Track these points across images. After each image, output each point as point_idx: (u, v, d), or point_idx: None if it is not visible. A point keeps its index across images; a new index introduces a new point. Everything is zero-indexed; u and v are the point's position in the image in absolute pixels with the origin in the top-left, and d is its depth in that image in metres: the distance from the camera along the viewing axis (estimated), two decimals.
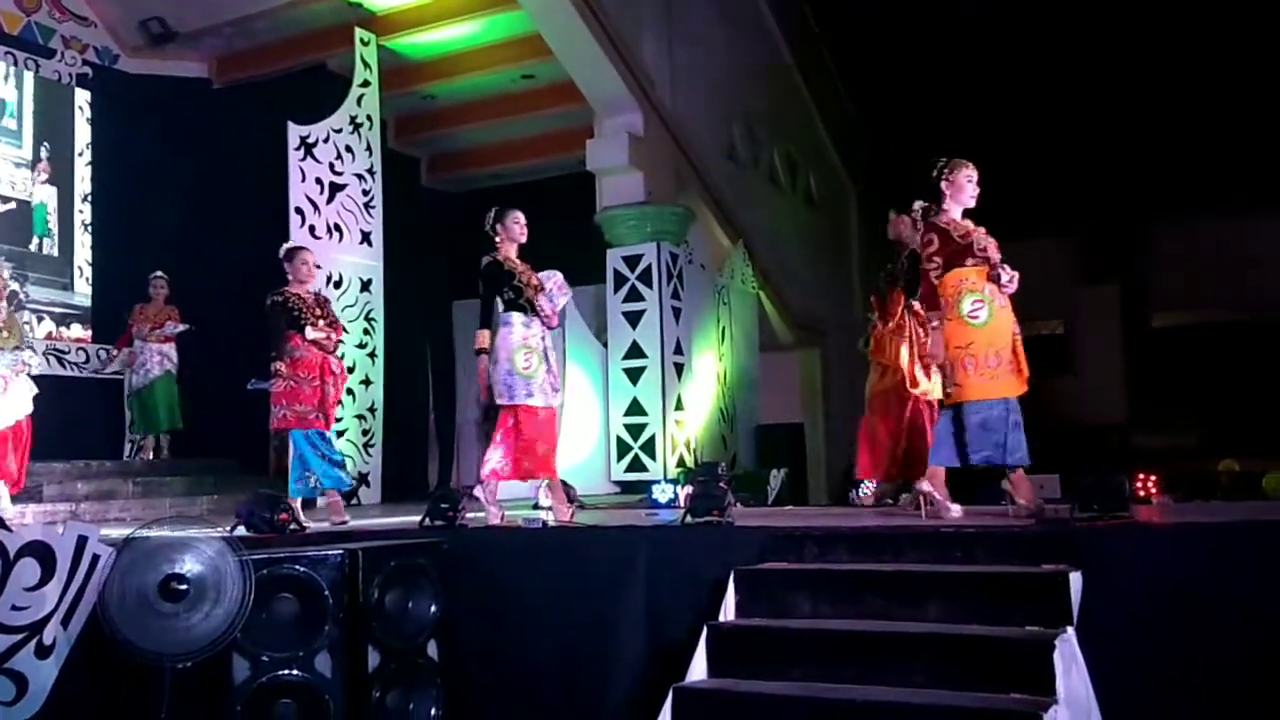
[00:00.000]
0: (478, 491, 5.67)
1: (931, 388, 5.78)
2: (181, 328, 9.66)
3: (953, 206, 5.13)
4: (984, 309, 4.90)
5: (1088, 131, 13.54)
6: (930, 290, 5.01)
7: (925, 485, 5.06)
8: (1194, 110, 13.12)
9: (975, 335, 4.90)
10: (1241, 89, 12.90)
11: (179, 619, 3.82)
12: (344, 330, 6.81)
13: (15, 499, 7.08)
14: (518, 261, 5.90)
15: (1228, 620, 3.62)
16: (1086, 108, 13.46)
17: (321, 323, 6.43)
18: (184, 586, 3.84)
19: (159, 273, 9.82)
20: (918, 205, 5.55)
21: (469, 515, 5.49)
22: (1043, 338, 16.16)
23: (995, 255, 4.98)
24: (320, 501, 7.08)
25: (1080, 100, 13.51)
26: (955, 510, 4.98)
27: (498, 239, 5.88)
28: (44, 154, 10.66)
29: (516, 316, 5.71)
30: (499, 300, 5.79)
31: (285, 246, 6.77)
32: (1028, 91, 13.34)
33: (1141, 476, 6.01)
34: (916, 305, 5.41)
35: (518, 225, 5.87)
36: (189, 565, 3.88)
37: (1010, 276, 4.95)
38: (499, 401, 5.64)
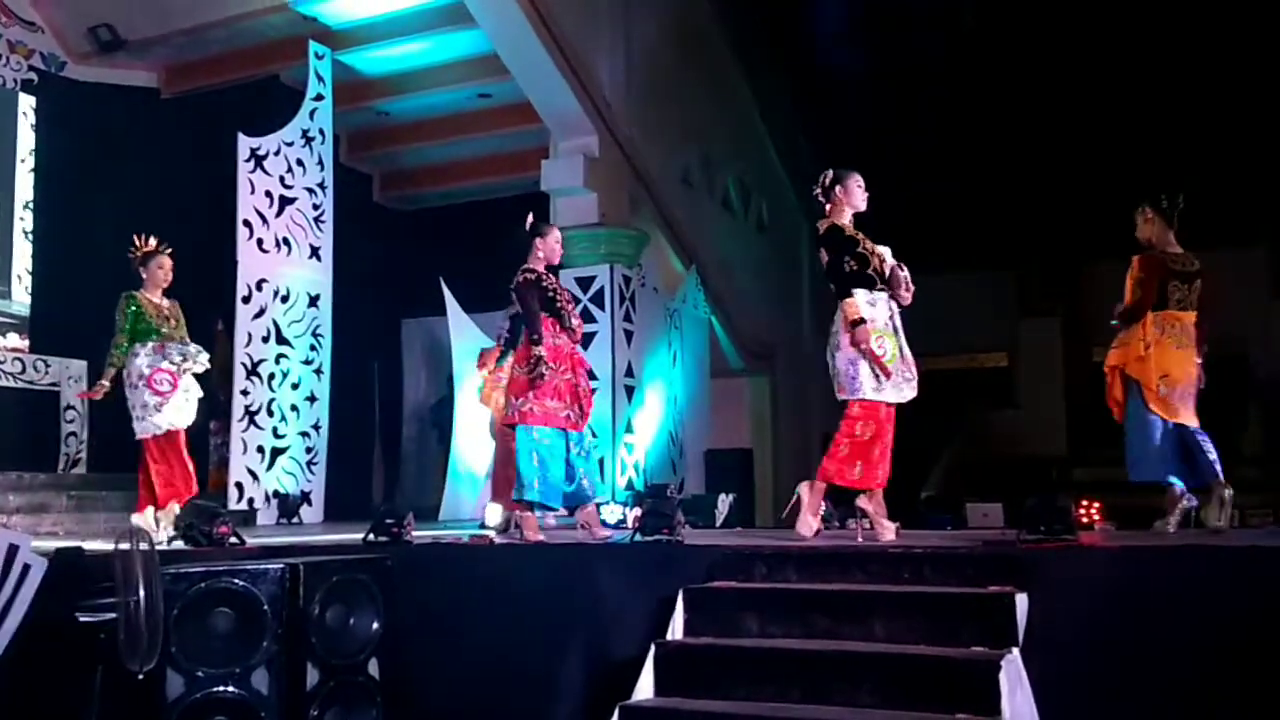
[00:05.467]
0: (862, 501, 5.07)
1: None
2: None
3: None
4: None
5: (1031, 166, 13.79)
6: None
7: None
8: (1134, 149, 13.45)
9: None
10: (1181, 131, 13.26)
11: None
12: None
13: None
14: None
15: (1170, 642, 3.68)
16: (1030, 143, 13.72)
17: (571, 308, 5.90)
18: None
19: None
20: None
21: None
22: (985, 370, 16.42)
23: None
24: None
25: (1024, 135, 13.78)
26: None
27: (830, 204, 5.32)
28: None
29: (861, 293, 5.13)
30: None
31: (530, 219, 6.00)
32: (974, 127, 13.59)
33: (1084, 503, 6.08)
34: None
35: (861, 190, 5.30)
36: None
37: None
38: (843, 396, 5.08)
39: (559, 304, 5.79)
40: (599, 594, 4.55)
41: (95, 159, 10.50)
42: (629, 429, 10.21)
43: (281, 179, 9.36)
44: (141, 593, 3.71)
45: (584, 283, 10.13)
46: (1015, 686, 3.45)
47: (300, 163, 9.57)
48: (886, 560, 4.32)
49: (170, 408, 6.35)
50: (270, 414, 9.04)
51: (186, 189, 10.04)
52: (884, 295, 5.15)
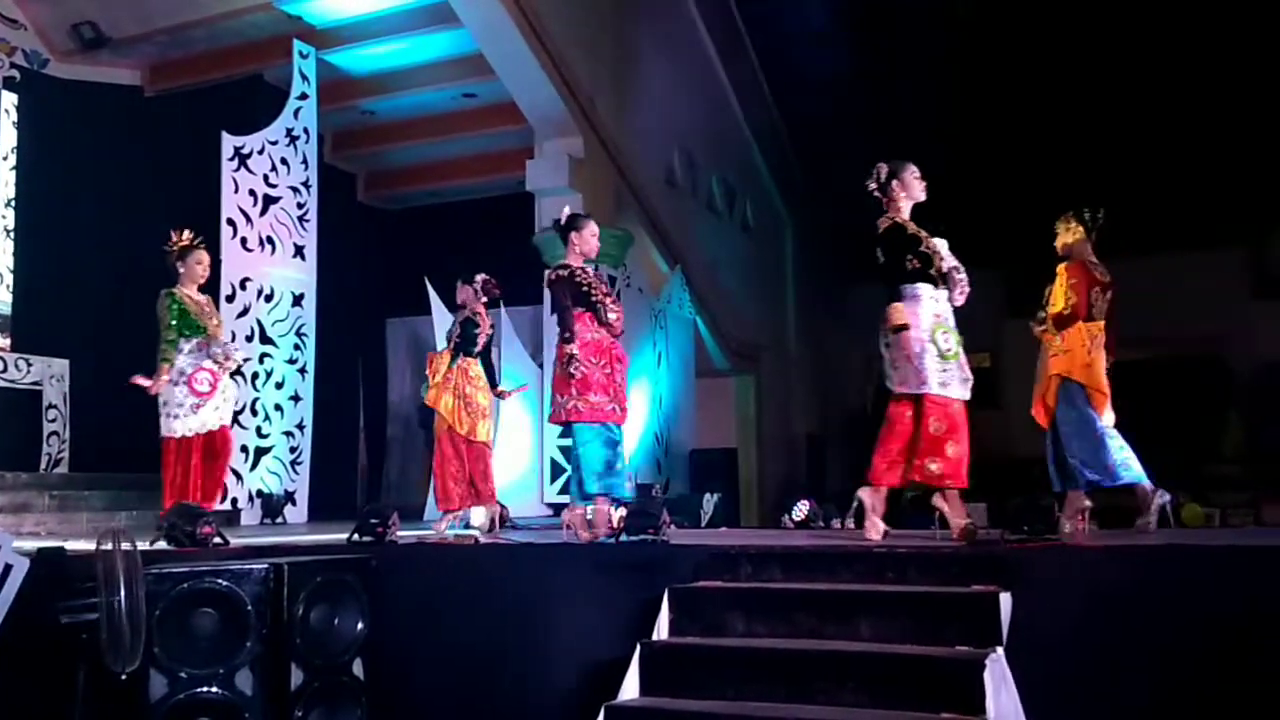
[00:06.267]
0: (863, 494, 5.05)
1: (480, 426, 6.63)
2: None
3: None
4: None
5: (1017, 166, 13.86)
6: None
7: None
8: (1118, 152, 13.53)
9: None
10: (1163, 134, 13.34)
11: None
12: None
13: None
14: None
15: (1153, 641, 3.70)
16: (1016, 143, 13.78)
17: (610, 301, 5.78)
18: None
19: None
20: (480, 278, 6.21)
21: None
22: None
23: None
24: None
25: (1010, 135, 13.84)
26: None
27: (887, 199, 5.19)
28: None
29: (925, 289, 5.04)
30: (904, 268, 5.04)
31: (567, 212, 5.94)
32: (959, 127, 13.64)
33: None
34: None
35: (918, 181, 5.17)
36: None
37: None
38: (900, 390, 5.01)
39: (594, 297, 5.68)
40: (584, 594, 4.54)
41: (78, 157, 10.44)
42: None
43: (265, 178, 9.33)
44: (123, 593, 3.70)
45: None
46: (1000, 685, 3.46)
47: (284, 161, 9.54)
48: (871, 560, 4.33)
49: (207, 409, 6.24)
50: (254, 413, 9.01)
51: (170, 187, 9.98)
52: (945, 293, 5.08)
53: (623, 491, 5.67)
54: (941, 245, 5.13)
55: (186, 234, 6.66)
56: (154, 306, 9.26)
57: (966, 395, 4.97)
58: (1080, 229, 5.89)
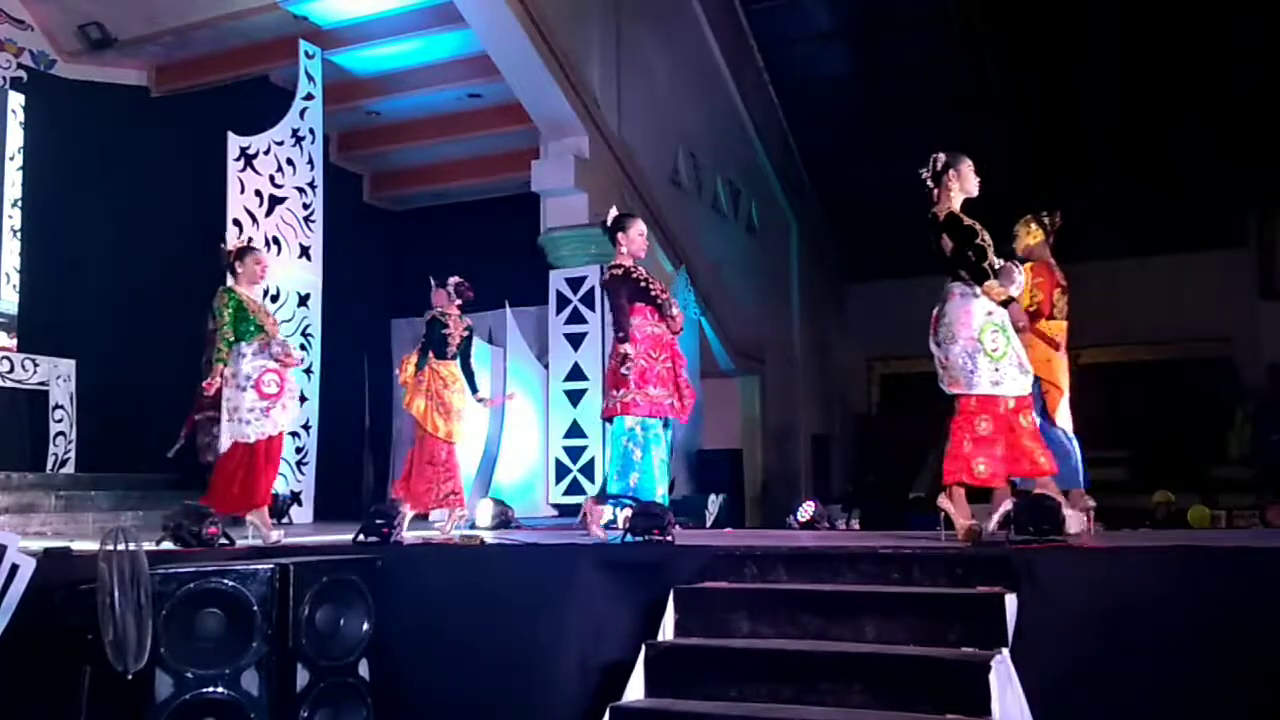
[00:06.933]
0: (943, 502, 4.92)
1: (455, 429, 6.68)
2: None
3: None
4: None
5: (1019, 165, 13.86)
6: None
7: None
8: (1122, 152, 13.52)
9: None
10: (1168, 134, 13.33)
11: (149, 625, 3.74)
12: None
13: None
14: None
15: (1158, 642, 3.69)
16: (1019, 141, 13.77)
17: (667, 295, 5.76)
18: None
19: None
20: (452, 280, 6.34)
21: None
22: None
23: None
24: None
25: (1012, 132, 13.83)
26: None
27: (940, 189, 5.07)
28: None
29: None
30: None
31: (614, 213, 5.94)
32: (959, 127, 13.63)
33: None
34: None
35: (973, 175, 5.12)
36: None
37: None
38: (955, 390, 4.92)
39: (653, 292, 5.70)
40: (589, 594, 4.54)
41: (84, 157, 10.46)
42: None
43: (271, 178, 9.35)
44: (118, 592, 3.70)
45: (574, 283, 10.13)
46: (1005, 687, 3.46)
47: (290, 162, 9.56)
48: (876, 560, 4.32)
49: (276, 411, 6.09)
50: None
51: (176, 188, 10.02)
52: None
53: (648, 495, 5.54)
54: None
55: (244, 235, 6.59)
56: (162, 306, 9.30)
57: (1025, 391, 4.92)
58: (1040, 231, 6.01)
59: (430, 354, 6.88)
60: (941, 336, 4.94)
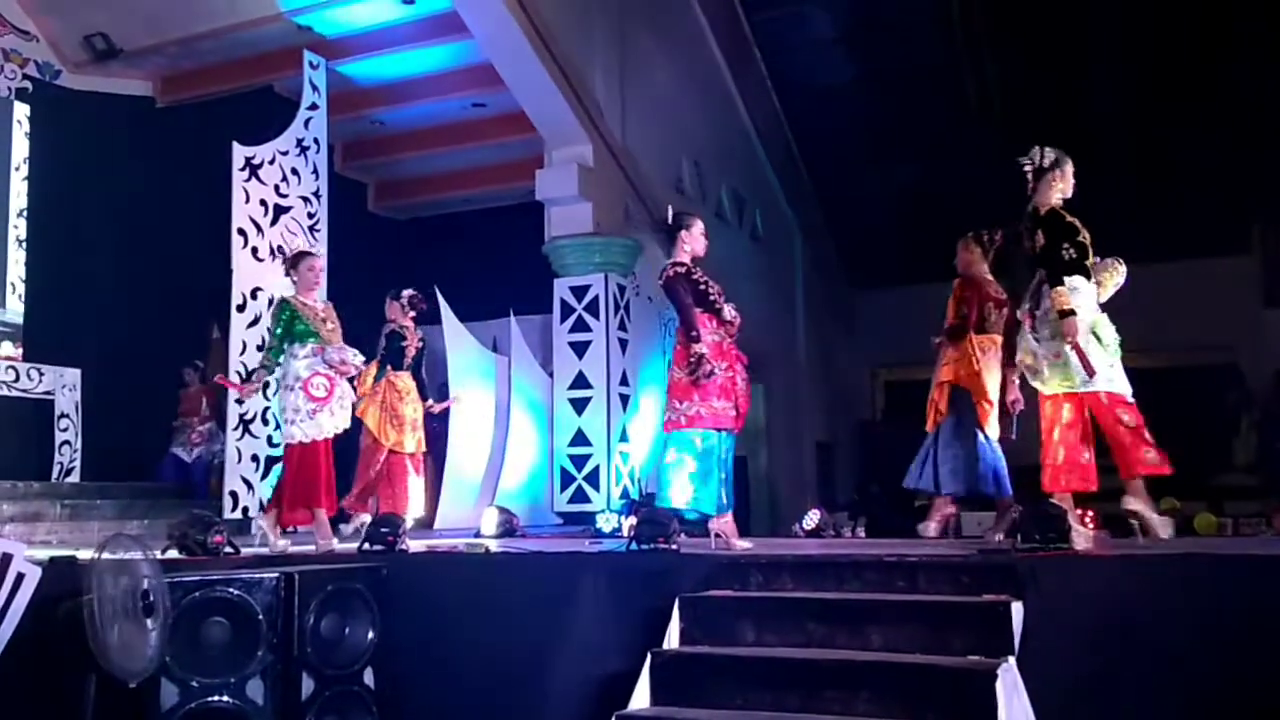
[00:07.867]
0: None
1: (405, 440, 7.05)
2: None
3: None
4: None
5: (1020, 178, 13.89)
6: None
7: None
8: (1126, 161, 13.51)
9: None
10: (1172, 141, 13.32)
11: (147, 634, 3.72)
12: None
13: None
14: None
15: (1165, 651, 3.68)
16: (1023, 150, 13.78)
17: (724, 302, 5.54)
18: (151, 601, 3.75)
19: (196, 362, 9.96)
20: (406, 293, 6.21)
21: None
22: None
23: None
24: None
25: (1016, 142, 13.83)
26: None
27: (1037, 184, 5.13)
28: None
29: (1079, 280, 4.95)
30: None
31: (672, 211, 5.76)
32: (966, 135, 13.65)
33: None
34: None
35: (1073, 176, 5.17)
36: (151, 581, 3.79)
37: None
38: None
39: (711, 296, 5.50)
40: (595, 603, 4.54)
41: (89, 167, 10.48)
42: (624, 438, 10.21)
43: (276, 188, 9.34)
44: (103, 603, 3.70)
45: (578, 292, 10.14)
46: (1011, 695, 3.45)
47: (295, 172, 9.55)
48: (882, 569, 4.32)
49: (324, 415, 6.17)
50: (265, 422, 9.00)
51: (181, 197, 10.03)
52: (1095, 287, 5.05)
53: (711, 508, 5.34)
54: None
55: (298, 243, 6.71)
56: (167, 316, 9.32)
57: (1114, 388, 4.94)
58: (978, 249, 6.20)
59: (388, 366, 7.12)
60: (1039, 334, 5.01)
